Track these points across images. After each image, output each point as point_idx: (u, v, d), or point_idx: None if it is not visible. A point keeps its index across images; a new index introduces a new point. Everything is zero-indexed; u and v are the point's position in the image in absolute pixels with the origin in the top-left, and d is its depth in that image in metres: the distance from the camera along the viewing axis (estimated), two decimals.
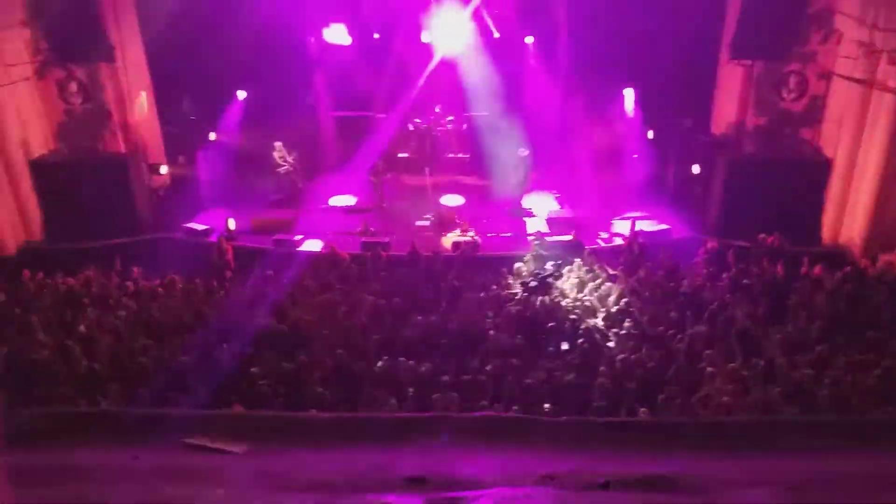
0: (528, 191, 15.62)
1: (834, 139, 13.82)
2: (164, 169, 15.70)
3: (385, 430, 1.63)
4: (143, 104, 15.44)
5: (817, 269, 11.71)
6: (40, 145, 14.63)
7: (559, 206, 15.87)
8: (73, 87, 14.59)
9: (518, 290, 11.27)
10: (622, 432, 1.51)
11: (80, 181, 14.22)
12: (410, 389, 8.55)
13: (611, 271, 12.14)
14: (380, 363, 9.10)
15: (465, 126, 17.16)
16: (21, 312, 10.46)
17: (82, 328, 10.08)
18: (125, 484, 1.41)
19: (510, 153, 15.37)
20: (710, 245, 12.69)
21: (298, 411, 8.15)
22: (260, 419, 1.57)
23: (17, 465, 1.42)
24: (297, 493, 1.34)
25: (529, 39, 16.95)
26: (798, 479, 1.49)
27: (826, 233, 14.03)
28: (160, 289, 11.72)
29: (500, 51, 16.69)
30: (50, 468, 1.45)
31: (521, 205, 15.60)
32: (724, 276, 11.94)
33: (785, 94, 14.36)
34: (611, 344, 9.69)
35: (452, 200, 15.84)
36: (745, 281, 11.55)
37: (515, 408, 8.13)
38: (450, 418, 1.59)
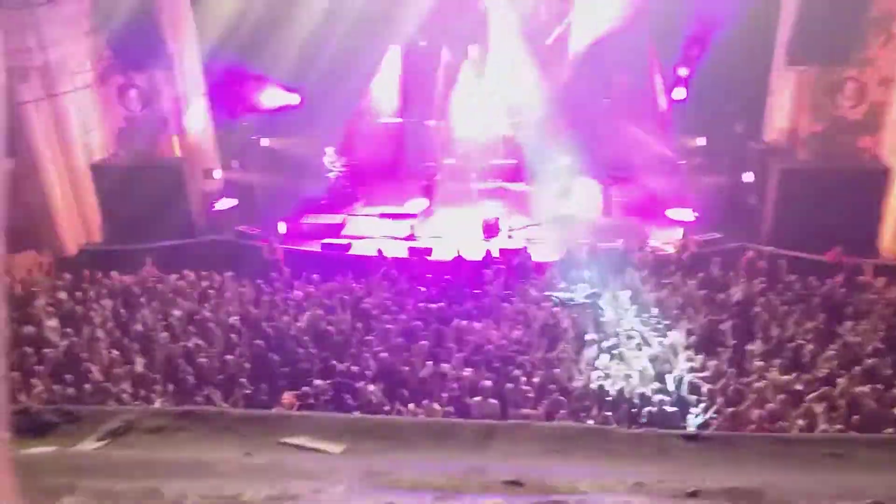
0: (574, 196, 15.46)
1: (894, 147, 13.38)
2: (217, 173, 16.06)
3: (469, 436, 1.66)
4: (198, 110, 15.84)
5: (879, 282, 11.35)
6: (100, 149, 15.16)
7: (607, 213, 15.68)
8: (133, 93, 15.08)
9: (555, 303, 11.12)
10: (699, 443, 1.50)
11: (137, 185, 14.65)
12: (445, 395, 8.59)
13: (661, 280, 11.96)
14: (424, 369, 9.18)
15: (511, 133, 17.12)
16: (82, 310, 10.85)
17: (139, 326, 10.41)
18: (251, 480, 1.45)
19: (555, 159, 15.28)
20: (749, 254, 12.41)
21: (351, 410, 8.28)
22: (353, 421, 1.63)
23: (142, 458, 1.51)
24: (408, 493, 1.37)
25: (576, 47, 16.88)
26: (883, 493, 1.47)
27: (885, 244, 13.56)
28: (211, 290, 12.01)
29: (549, 57, 16.67)
30: (175, 462, 1.52)
31: (566, 212, 15.46)
32: (779, 286, 11.68)
33: (842, 101, 13.97)
34: (651, 353, 9.56)
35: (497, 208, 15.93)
36: (801, 292, 11.27)
37: (562, 411, 8.15)
38: (531, 426, 1.62)
